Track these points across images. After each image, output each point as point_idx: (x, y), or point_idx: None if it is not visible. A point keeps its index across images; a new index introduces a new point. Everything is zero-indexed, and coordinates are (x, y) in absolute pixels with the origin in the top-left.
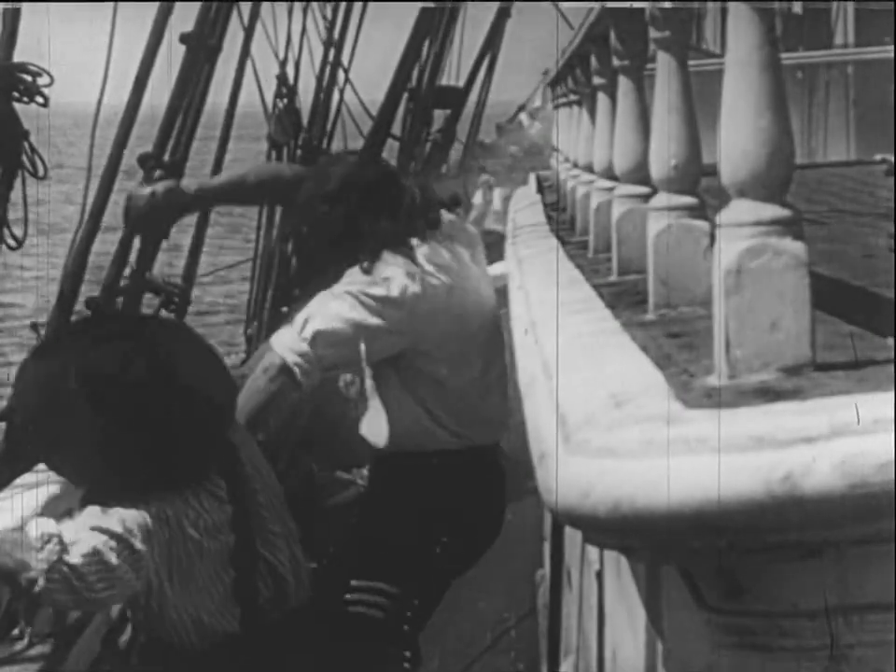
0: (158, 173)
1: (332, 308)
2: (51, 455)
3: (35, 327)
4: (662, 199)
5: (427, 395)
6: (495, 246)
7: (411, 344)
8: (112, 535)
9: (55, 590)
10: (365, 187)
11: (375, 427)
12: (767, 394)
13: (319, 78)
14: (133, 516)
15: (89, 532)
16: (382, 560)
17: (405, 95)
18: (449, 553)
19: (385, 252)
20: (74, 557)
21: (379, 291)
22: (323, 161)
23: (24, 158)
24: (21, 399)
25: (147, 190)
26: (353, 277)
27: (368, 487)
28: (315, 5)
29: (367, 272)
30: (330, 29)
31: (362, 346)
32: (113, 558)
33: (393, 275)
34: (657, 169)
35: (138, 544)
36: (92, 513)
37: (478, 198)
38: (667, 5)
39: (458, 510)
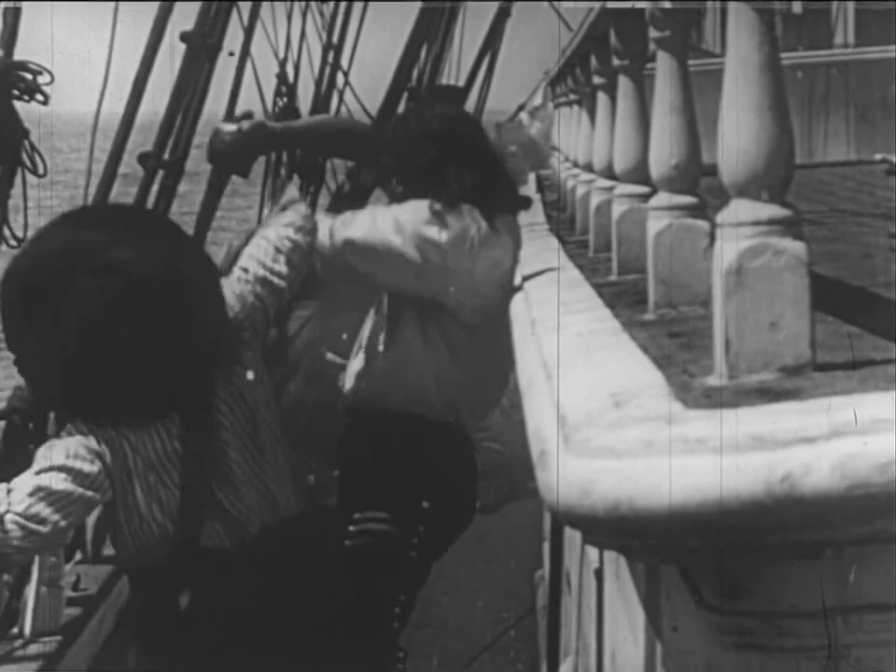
0: (242, 112)
1: (378, 223)
2: (20, 352)
3: None
4: (662, 198)
5: (439, 354)
6: None
7: (430, 294)
8: (57, 468)
9: (12, 539)
10: (463, 137)
11: (360, 378)
12: (767, 394)
13: (318, 82)
14: (75, 443)
15: (32, 476)
16: (363, 546)
17: (405, 95)
18: (427, 540)
19: (465, 205)
20: (17, 505)
21: (431, 233)
22: (425, 102)
23: (25, 156)
24: (5, 287)
25: (232, 127)
26: (415, 210)
27: (341, 449)
28: (314, 5)
29: (433, 212)
30: (330, 31)
31: (383, 271)
32: (60, 485)
33: (453, 226)
34: (657, 168)
35: (87, 466)
36: (37, 458)
37: None
38: (667, 5)
39: (431, 486)
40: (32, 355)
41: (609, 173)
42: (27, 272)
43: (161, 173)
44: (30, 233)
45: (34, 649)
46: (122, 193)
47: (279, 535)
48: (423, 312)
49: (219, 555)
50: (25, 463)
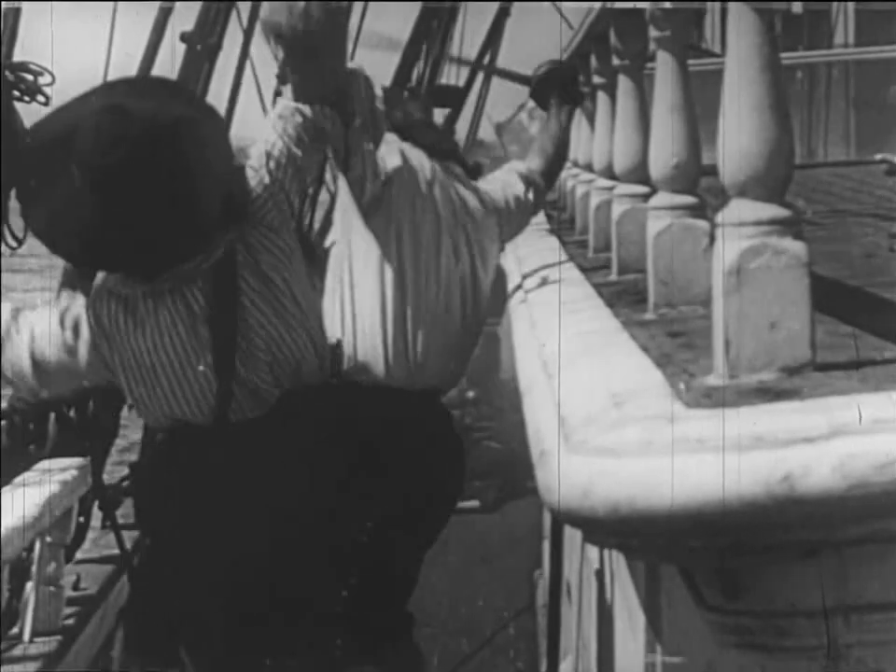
0: None
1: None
2: (34, 213)
3: None
4: (662, 198)
5: (402, 323)
6: None
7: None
8: (56, 343)
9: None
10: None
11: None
12: (767, 394)
13: None
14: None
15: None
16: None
17: (405, 94)
18: (410, 513)
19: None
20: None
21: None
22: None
23: None
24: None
25: None
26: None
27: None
28: None
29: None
30: None
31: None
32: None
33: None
34: (657, 168)
35: (80, 354)
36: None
37: None
38: (668, 4)
39: (410, 459)
40: (46, 213)
41: (609, 173)
42: (40, 134)
43: None
44: (29, 236)
45: (34, 649)
46: None
47: (298, 403)
48: (389, 276)
49: (239, 426)
50: (25, 463)
